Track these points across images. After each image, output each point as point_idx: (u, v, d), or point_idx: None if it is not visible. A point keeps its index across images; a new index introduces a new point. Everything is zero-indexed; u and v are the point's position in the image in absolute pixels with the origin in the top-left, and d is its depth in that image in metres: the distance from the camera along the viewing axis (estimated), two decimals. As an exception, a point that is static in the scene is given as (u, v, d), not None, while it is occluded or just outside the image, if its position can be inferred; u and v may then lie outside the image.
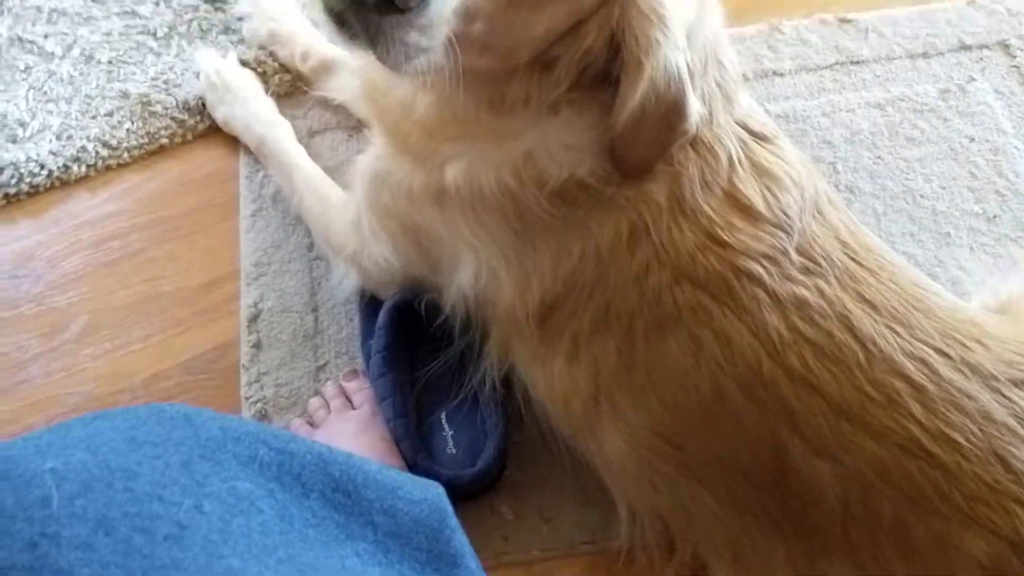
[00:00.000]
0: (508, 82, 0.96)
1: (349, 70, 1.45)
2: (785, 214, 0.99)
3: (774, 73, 1.58)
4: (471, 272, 1.11)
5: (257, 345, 1.35)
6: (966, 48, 1.60)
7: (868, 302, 0.96)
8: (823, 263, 0.98)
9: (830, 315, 0.94)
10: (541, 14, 0.88)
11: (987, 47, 1.60)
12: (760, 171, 1.00)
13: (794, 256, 0.97)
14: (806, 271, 0.97)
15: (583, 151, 0.97)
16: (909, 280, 0.99)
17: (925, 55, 1.59)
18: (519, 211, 1.02)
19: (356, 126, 1.53)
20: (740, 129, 1.01)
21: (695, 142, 0.97)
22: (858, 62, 1.59)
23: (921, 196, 1.46)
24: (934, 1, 1.66)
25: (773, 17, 1.64)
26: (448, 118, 1.02)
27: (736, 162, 0.99)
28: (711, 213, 0.97)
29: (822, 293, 0.96)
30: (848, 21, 1.63)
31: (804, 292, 0.96)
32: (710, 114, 0.98)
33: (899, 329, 0.94)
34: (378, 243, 1.23)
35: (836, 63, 1.59)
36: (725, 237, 0.97)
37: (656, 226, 0.98)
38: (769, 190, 0.99)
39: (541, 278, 1.04)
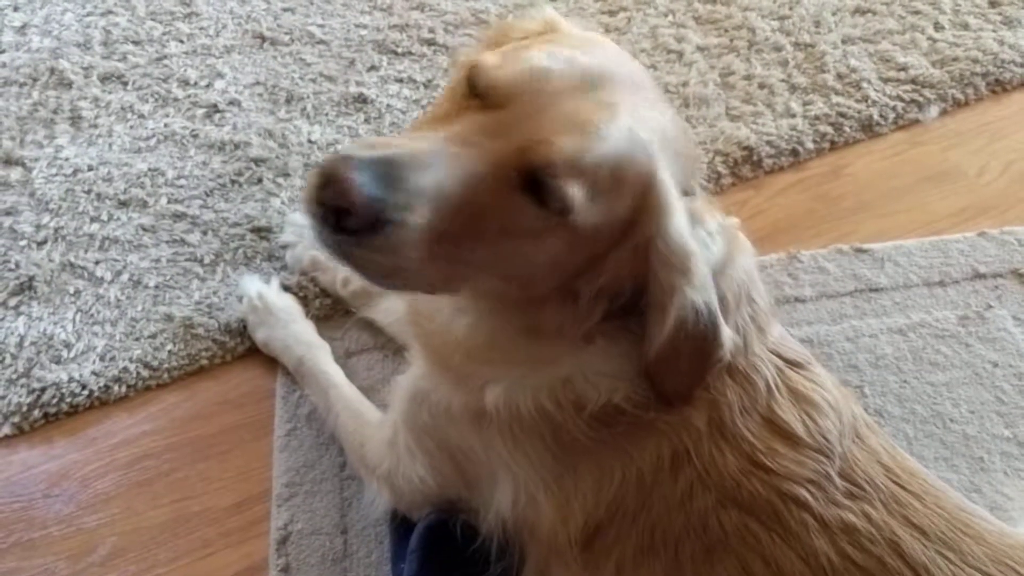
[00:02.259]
0: (541, 310, 1.00)
1: (394, 295, 1.50)
2: (825, 439, 1.00)
3: (796, 299, 1.63)
4: (509, 495, 1.11)
5: (286, 569, 1.33)
6: (980, 276, 1.66)
7: (916, 527, 0.95)
8: (867, 487, 0.98)
9: (879, 541, 0.94)
10: (527, 246, 0.89)
11: (1001, 275, 1.66)
12: (797, 397, 1.02)
13: (837, 480, 0.98)
14: (851, 496, 0.98)
15: (619, 378, 1.00)
16: (955, 505, 0.99)
17: (941, 283, 1.65)
18: (557, 434, 1.03)
19: (392, 347, 1.57)
20: (775, 357, 1.04)
21: (732, 371, 1.00)
22: (877, 289, 1.65)
23: (951, 420, 1.47)
24: (946, 232, 1.73)
25: (791, 246, 1.71)
26: (486, 342, 1.06)
27: (774, 388, 1.01)
28: (752, 439, 0.99)
29: (869, 518, 0.96)
30: (864, 251, 1.70)
31: (851, 517, 0.96)
32: (745, 344, 1.01)
33: (950, 555, 0.93)
34: (413, 462, 1.24)
35: (855, 290, 1.65)
36: (768, 462, 0.98)
37: (698, 451, 0.99)
38: (808, 415, 1.01)
39: (583, 502, 1.04)
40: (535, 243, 0.89)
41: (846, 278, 1.67)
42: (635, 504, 1.01)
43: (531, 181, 0.85)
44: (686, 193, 0.95)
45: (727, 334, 0.96)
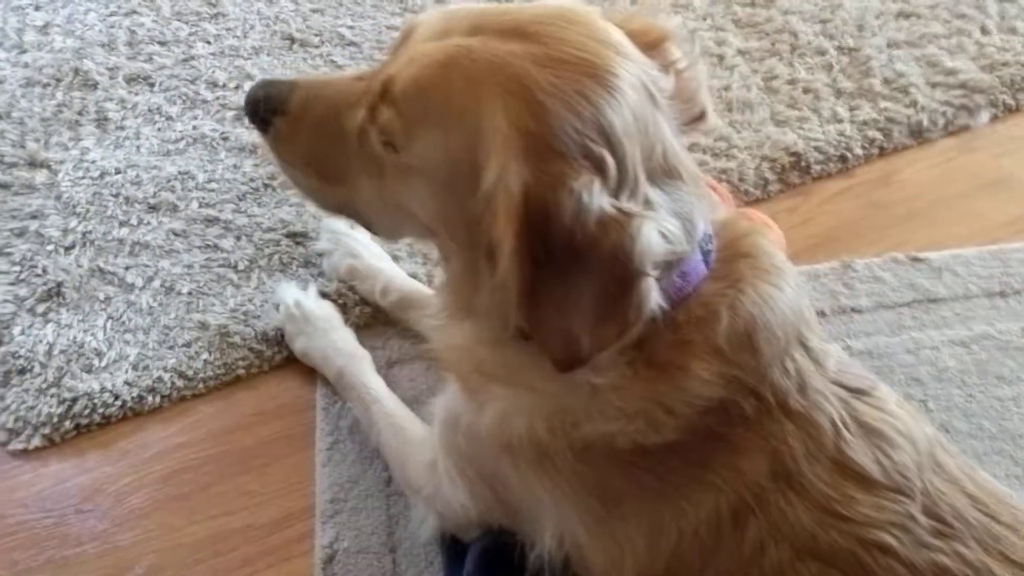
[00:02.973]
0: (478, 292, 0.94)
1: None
2: (903, 475, 0.93)
3: (852, 310, 1.58)
4: (553, 533, 1.05)
5: (332, 589, 1.27)
6: (1042, 287, 1.61)
7: (1016, 564, 0.90)
8: (956, 523, 0.92)
9: None
10: (392, 186, 0.94)
11: (1063, 286, 1.61)
12: (868, 431, 0.95)
13: (922, 520, 0.92)
14: (939, 535, 0.91)
15: (610, 413, 0.93)
16: (1052, 534, 0.93)
17: (1002, 294, 1.60)
18: (599, 477, 0.97)
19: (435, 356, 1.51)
20: (838, 388, 0.97)
21: (790, 413, 0.93)
22: (935, 300, 1.59)
23: (1020, 437, 1.41)
24: (1003, 241, 1.68)
25: (844, 255, 1.66)
26: (489, 352, 1.00)
27: (840, 426, 0.94)
28: (823, 487, 0.92)
29: (963, 558, 0.90)
30: (920, 260, 1.65)
31: (943, 559, 0.89)
32: (802, 384, 0.94)
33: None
34: (455, 488, 1.18)
35: (914, 301, 1.59)
36: (844, 511, 0.91)
37: (762, 505, 0.93)
38: (881, 451, 0.94)
39: (637, 556, 0.99)
40: (398, 183, 0.92)
41: (903, 288, 1.61)
42: (698, 561, 0.95)
43: (375, 113, 0.91)
44: (599, 167, 0.83)
45: (649, 242, 0.82)
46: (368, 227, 1.05)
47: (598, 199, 0.81)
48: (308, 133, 0.97)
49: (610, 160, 0.83)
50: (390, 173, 0.93)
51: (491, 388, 1.00)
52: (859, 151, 1.82)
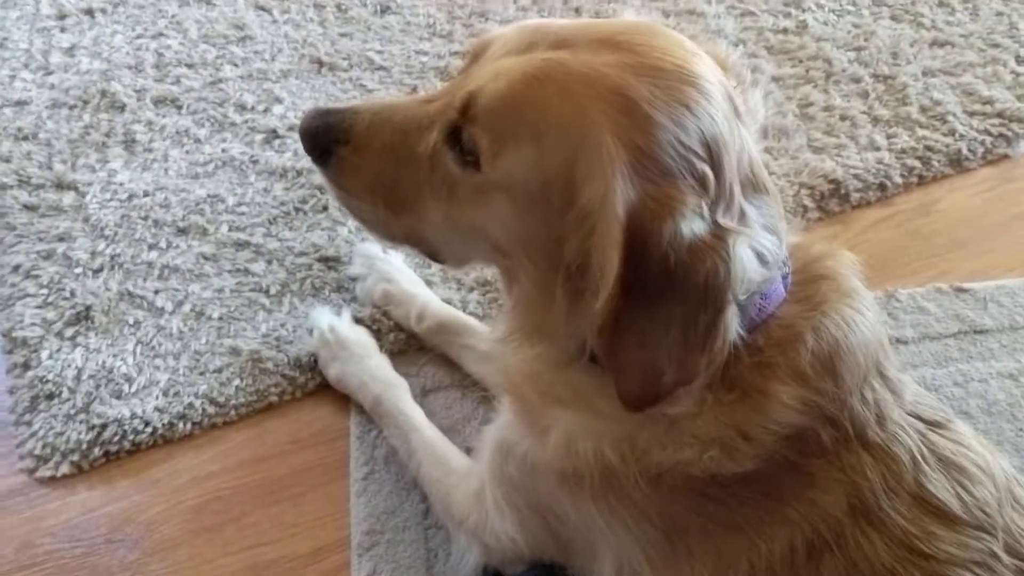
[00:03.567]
0: (552, 309, 0.90)
1: (484, 336, 1.42)
2: (984, 512, 0.90)
3: (897, 341, 1.55)
4: (611, 566, 1.02)
5: (371, 625, 1.23)
6: (1089, 319, 1.58)
7: None
8: None
9: None
10: (467, 208, 0.90)
11: (1110, 318, 1.58)
12: (947, 465, 0.92)
13: (1005, 558, 0.89)
14: (1022, 573, 0.88)
15: (686, 441, 0.89)
16: None
17: (1050, 325, 1.57)
18: (663, 508, 0.94)
19: (471, 383, 1.48)
20: (915, 420, 0.94)
21: (869, 445, 0.89)
22: (982, 331, 1.56)
23: (1075, 472, 1.37)
24: (1048, 272, 1.65)
25: (886, 284, 1.63)
26: (553, 374, 0.96)
27: (920, 460, 0.91)
28: (903, 522, 0.89)
29: None
30: (964, 290, 1.62)
31: None
32: (880, 415, 0.91)
33: None
34: (502, 518, 1.15)
35: (959, 332, 1.56)
36: (926, 548, 0.88)
37: (840, 541, 0.89)
38: (961, 486, 0.91)
39: None
40: (475, 204, 0.88)
41: (948, 319, 1.58)
42: None
43: (453, 133, 0.87)
44: (703, 185, 0.80)
45: (745, 269, 0.80)
46: (433, 254, 1.00)
47: (698, 222, 0.78)
48: (375, 160, 0.93)
49: (711, 175, 0.80)
50: (465, 194, 0.89)
51: (555, 413, 0.96)
52: (898, 179, 1.80)
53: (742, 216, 0.84)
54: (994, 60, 2.05)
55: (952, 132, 1.87)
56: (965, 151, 1.85)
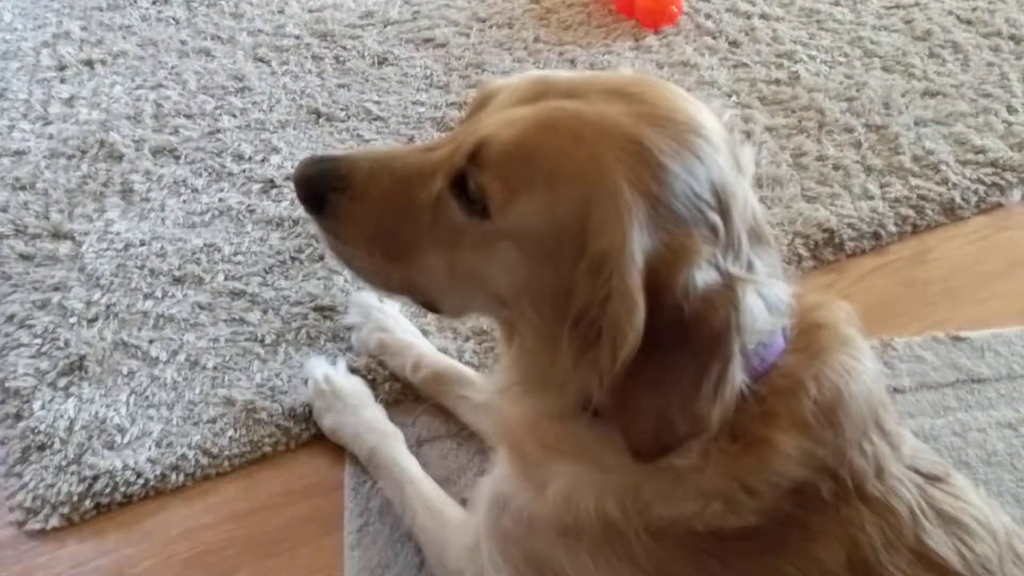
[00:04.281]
0: (557, 360, 0.89)
1: (481, 387, 1.41)
2: (985, 569, 0.89)
3: (894, 390, 1.54)
4: None
5: None
6: (1087, 368, 1.57)
7: None
8: None
9: None
10: (472, 257, 0.89)
11: (1111, 365, 1.57)
12: (947, 520, 0.90)
13: None
14: None
15: (689, 494, 0.88)
16: None
17: (1048, 374, 1.56)
18: (661, 565, 0.92)
19: (467, 435, 1.47)
20: (913, 474, 0.92)
21: (867, 499, 0.88)
22: (979, 380, 1.55)
23: (1077, 523, 1.36)
24: (1044, 320, 1.65)
25: (882, 333, 1.62)
26: (555, 427, 0.95)
27: (919, 514, 0.89)
28: None
29: None
30: (961, 339, 1.61)
31: None
32: (879, 468, 0.90)
33: None
34: (497, 573, 1.12)
35: (957, 381, 1.55)
36: None
37: None
38: (962, 542, 0.89)
39: None
40: (479, 253, 0.87)
41: (945, 368, 1.57)
42: None
43: (459, 181, 0.86)
44: (714, 234, 0.82)
45: (751, 318, 0.80)
46: (430, 304, 0.99)
47: (711, 271, 0.78)
48: (373, 209, 0.91)
49: (721, 225, 0.81)
50: (470, 243, 0.88)
51: (555, 466, 0.95)
52: (892, 228, 1.80)
53: (750, 265, 0.84)
54: (985, 110, 2.07)
55: (945, 181, 1.88)
56: (959, 200, 1.86)
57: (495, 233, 0.85)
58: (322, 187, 0.92)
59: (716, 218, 0.81)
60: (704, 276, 0.78)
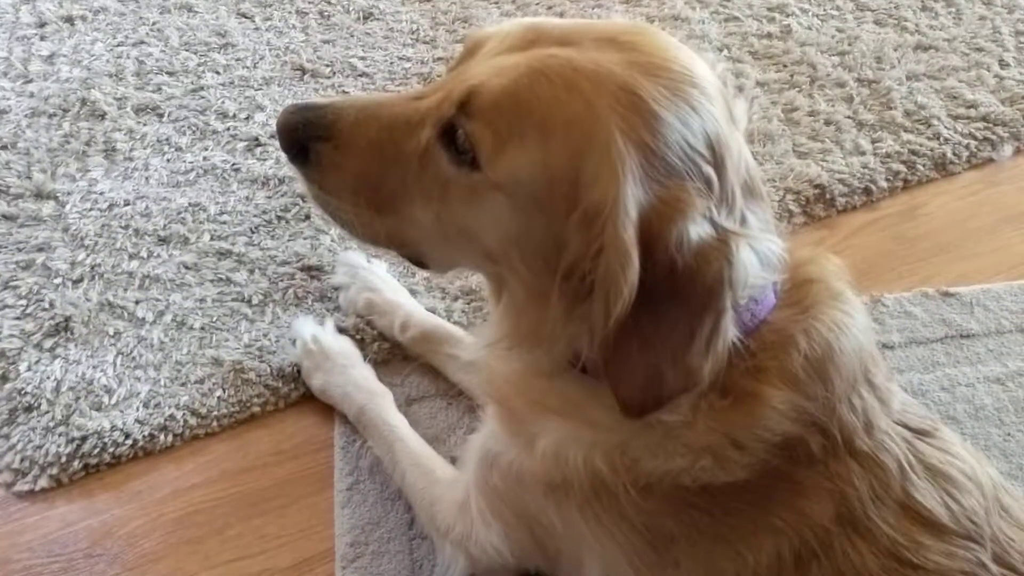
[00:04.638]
0: (547, 313, 0.88)
1: (469, 345, 1.40)
2: (972, 521, 0.89)
3: (884, 346, 1.54)
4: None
5: (354, 638, 1.21)
6: (1076, 321, 1.58)
7: None
8: None
9: None
10: (461, 209, 0.88)
11: (1097, 320, 1.57)
12: (934, 473, 0.91)
13: (994, 568, 0.88)
14: None
15: (678, 449, 0.88)
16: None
17: (1036, 329, 1.56)
18: (649, 518, 0.92)
19: (455, 393, 1.47)
20: (902, 429, 0.93)
21: (856, 453, 0.88)
22: (968, 336, 1.56)
23: (1063, 476, 1.37)
24: (1033, 275, 1.65)
25: (872, 289, 1.62)
26: (543, 382, 0.95)
27: (907, 468, 0.90)
28: (890, 531, 0.88)
29: None
30: (951, 295, 1.61)
31: None
32: (868, 423, 0.90)
33: None
34: (488, 529, 1.13)
35: (946, 336, 1.56)
36: (914, 558, 0.87)
37: (827, 550, 0.88)
38: (949, 495, 0.90)
39: None
40: (468, 205, 0.85)
41: (935, 323, 1.58)
42: None
43: (447, 130, 0.84)
44: (708, 187, 0.80)
45: (743, 274, 0.79)
46: (417, 258, 0.97)
47: (705, 225, 0.77)
48: (359, 159, 0.88)
49: (715, 178, 0.79)
50: (457, 195, 0.86)
51: (544, 421, 0.95)
52: (883, 184, 1.79)
53: (743, 220, 0.83)
54: (978, 64, 2.06)
55: (937, 136, 1.87)
56: (950, 155, 1.85)
57: (484, 184, 0.83)
58: (306, 136, 0.89)
59: (710, 171, 0.80)
60: (698, 230, 0.77)
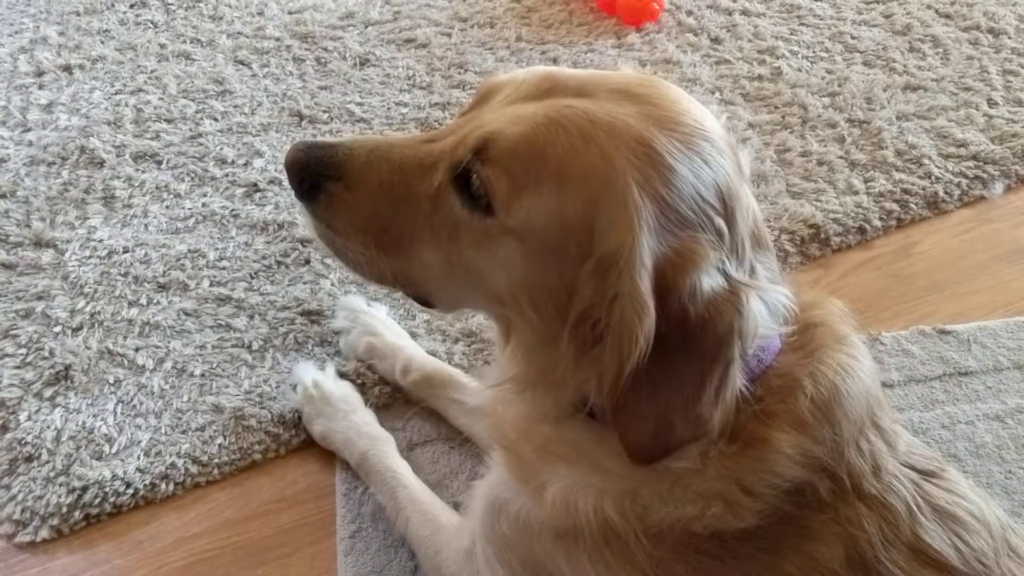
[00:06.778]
0: (558, 358, 0.88)
1: (472, 390, 1.40)
2: (981, 563, 0.89)
3: (883, 384, 1.53)
4: None
5: None
6: (1072, 358, 1.59)
7: None
8: None
9: None
10: (472, 253, 0.88)
11: (1094, 357, 1.59)
12: (943, 515, 0.91)
13: None
14: None
15: (689, 497, 0.88)
16: None
17: (1034, 366, 1.57)
18: (658, 566, 0.92)
19: (458, 439, 1.46)
20: (909, 471, 0.93)
21: (864, 496, 0.89)
22: (966, 373, 1.56)
23: (1066, 513, 1.37)
24: (1029, 311, 1.67)
25: (870, 327, 1.63)
26: (552, 429, 0.95)
27: (915, 510, 0.90)
28: (901, 574, 0.87)
29: None
30: (947, 332, 1.62)
31: None
32: (876, 466, 0.90)
33: None
34: None
35: (944, 374, 1.56)
36: None
37: None
38: (958, 536, 0.90)
39: None
40: (480, 249, 0.86)
41: (933, 361, 1.58)
42: None
43: (461, 175, 0.84)
44: (720, 238, 0.82)
45: (752, 325, 0.80)
46: (423, 298, 0.98)
47: (717, 276, 0.78)
48: (369, 199, 0.89)
49: (726, 229, 0.81)
50: (469, 238, 0.86)
51: (553, 468, 0.95)
52: (877, 222, 1.81)
53: (752, 270, 0.84)
54: (966, 103, 2.09)
55: (928, 175, 1.90)
56: (942, 193, 1.87)
57: (497, 229, 0.84)
58: (316, 174, 0.89)
59: (721, 222, 0.81)
60: (710, 281, 0.78)
